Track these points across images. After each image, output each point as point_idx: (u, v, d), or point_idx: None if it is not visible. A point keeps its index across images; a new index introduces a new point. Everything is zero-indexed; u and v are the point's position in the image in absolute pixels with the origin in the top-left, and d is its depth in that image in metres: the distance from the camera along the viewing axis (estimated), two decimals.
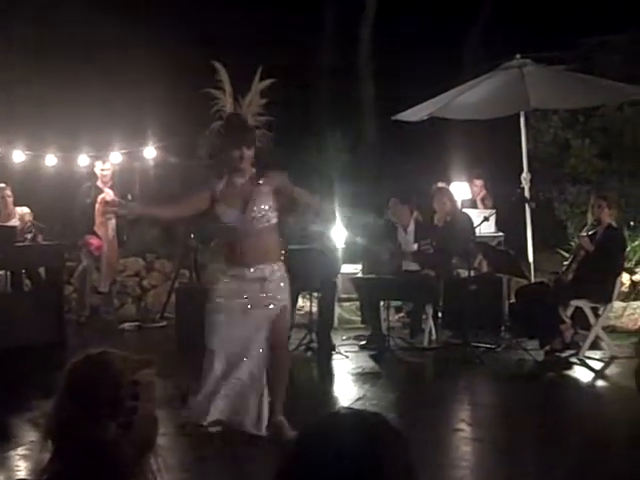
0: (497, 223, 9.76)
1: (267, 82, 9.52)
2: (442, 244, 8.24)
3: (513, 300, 8.33)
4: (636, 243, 9.62)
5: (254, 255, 5.13)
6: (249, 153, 5.11)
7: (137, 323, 9.71)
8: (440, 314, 8.50)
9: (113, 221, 9.81)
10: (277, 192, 5.19)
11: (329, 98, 14.11)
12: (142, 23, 12.68)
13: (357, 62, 15.05)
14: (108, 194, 9.77)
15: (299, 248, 7.85)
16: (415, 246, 8.57)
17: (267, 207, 5.15)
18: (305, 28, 14.24)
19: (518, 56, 9.21)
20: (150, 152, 10.80)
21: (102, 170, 9.94)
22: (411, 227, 8.75)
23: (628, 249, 9.22)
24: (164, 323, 9.62)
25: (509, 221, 9.61)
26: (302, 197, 5.38)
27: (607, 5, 12.34)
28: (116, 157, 10.33)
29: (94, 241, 9.79)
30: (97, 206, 9.65)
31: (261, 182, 5.15)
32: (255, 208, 5.09)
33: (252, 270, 5.13)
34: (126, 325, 9.61)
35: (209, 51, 10.26)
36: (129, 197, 10.45)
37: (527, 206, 8.86)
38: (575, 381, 7.10)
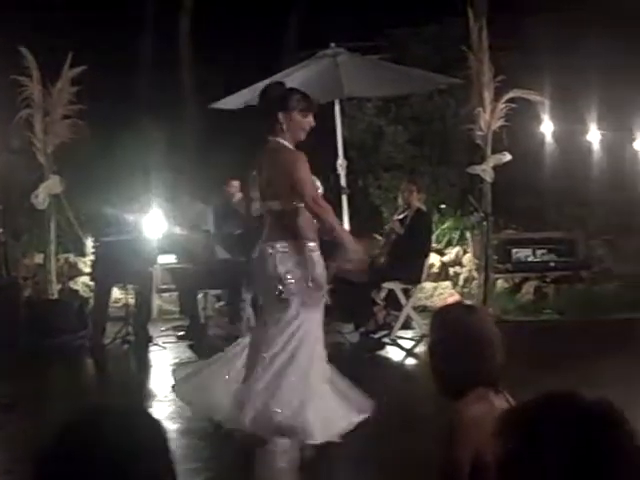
0: None
1: (79, 69, 9.25)
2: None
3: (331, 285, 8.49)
4: (446, 225, 10.05)
5: None
6: None
7: None
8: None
9: None
10: None
11: (147, 86, 13.83)
12: None
13: (176, 49, 14.82)
14: None
15: (113, 240, 7.67)
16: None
17: None
18: (124, 14, 13.87)
19: (333, 45, 9.37)
20: None
21: None
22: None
23: (438, 231, 9.64)
24: None
25: None
26: None
27: None
28: None
29: None
30: None
31: None
32: None
33: None
34: None
35: (16, 34, 9.82)
36: None
37: (342, 193, 9.05)
38: (387, 360, 7.38)
